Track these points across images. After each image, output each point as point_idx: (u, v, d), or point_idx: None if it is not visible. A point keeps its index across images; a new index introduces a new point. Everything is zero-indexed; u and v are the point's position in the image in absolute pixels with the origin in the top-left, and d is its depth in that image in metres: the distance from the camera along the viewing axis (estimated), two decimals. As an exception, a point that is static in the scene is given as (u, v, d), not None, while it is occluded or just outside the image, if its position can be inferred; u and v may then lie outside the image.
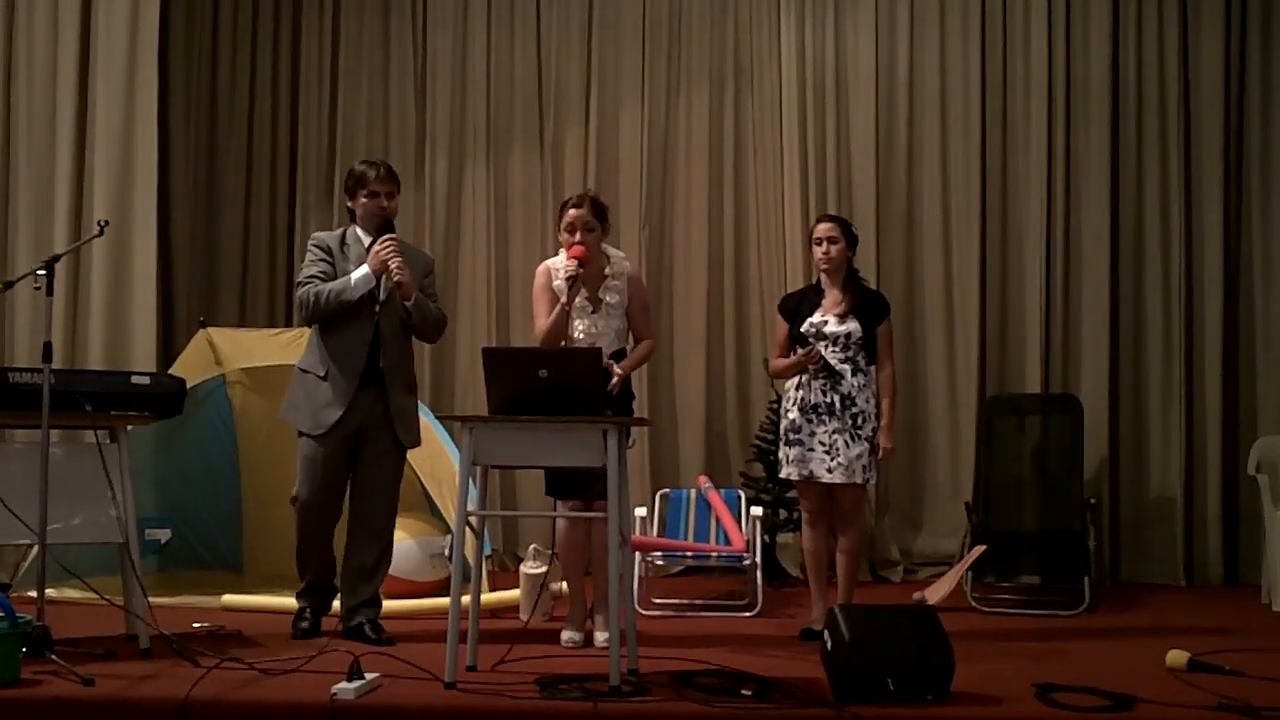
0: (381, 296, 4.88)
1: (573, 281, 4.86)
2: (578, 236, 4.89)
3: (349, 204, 5.07)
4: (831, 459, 5.07)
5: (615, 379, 4.84)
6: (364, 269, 4.84)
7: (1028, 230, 7.32)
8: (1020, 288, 7.32)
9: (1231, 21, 7.18)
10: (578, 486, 4.81)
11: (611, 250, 5.10)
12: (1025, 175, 7.35)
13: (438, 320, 5.05)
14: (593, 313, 4.96)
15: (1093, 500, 6.52)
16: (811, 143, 7.42)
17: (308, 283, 4.89)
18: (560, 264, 4.97)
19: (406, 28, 7.89)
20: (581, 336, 4.94)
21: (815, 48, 7.48)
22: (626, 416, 4.78)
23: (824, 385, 5.11)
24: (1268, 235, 7.12)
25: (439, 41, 7.85)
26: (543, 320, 4.95)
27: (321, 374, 4.88)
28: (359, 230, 5.00)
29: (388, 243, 4.81)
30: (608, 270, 5.01)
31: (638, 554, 5.85)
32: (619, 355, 5.02)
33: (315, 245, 5.00)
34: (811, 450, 5.11)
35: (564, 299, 4.87)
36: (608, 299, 4.98)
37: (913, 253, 7.44)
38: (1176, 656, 4.36)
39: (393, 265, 4.77)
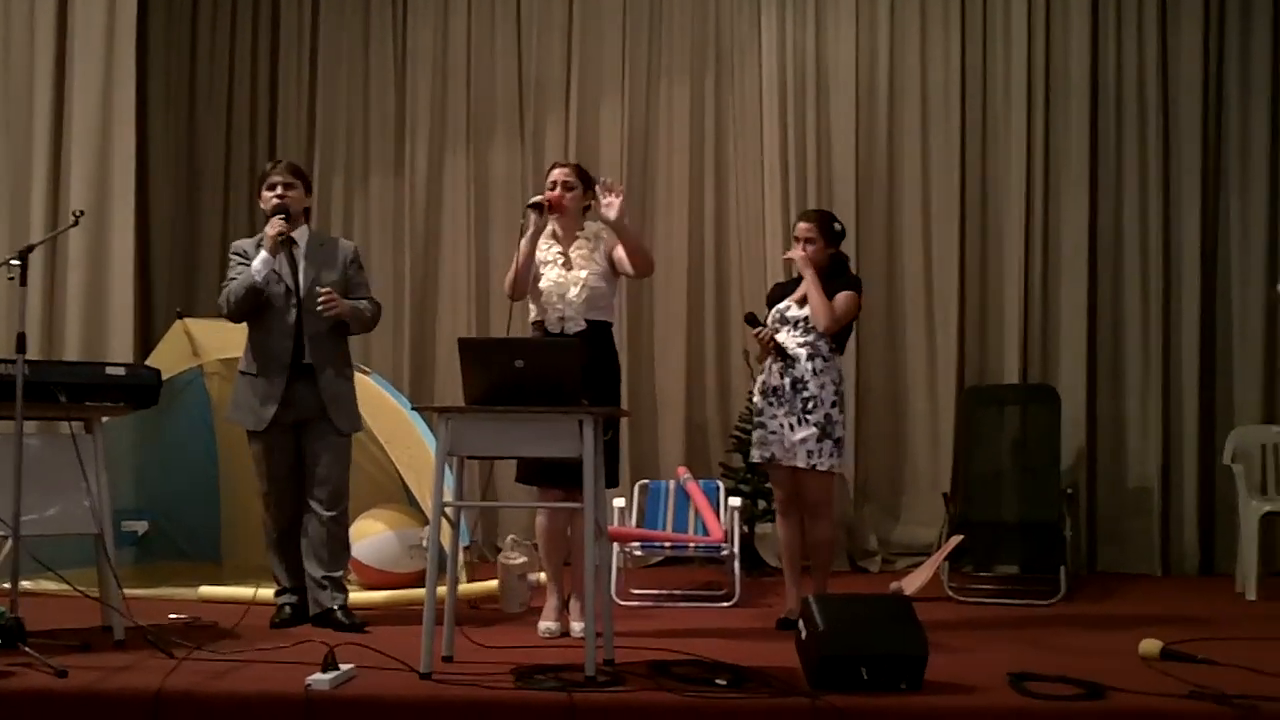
0: (302, 292, 5.00)
1: (536, 208, 4.91)
2: (557, 190, 4.99)
3: (261, 203, 5.22)
4: (782, 441, 5.11)
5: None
6: (262, 253, 4.98)
7: (1007, 223, 7.33)
8: (999, 280, 7.34)
9: (1210, 18, 7.20)
10: (561, 475, 4.79)
11: (589, 223, 5.13)
12: (1005, 168, 7.36)
13: (372, 317, 5.20)
14: (563, 265, 4.99)
15: (1070, 491, 6.54)
16: (792, 134, 7.42)
17: (225, 286, 5.06)
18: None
19: (386, 17, 7.87)
20: (549, 285, 4.96)
21: (796, 39, 7.48)
22: (610, 404, 4.79)
23: (781, 368, 5.13)
24: (1245, 228, 7.15)
25: (419, 31, 7.83)
26: None
27: (255, 372, 5.05)
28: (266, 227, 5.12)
29: (276, 223, 4.97)
30: (579, 232, 5.06)
31: (616, 545, 5.86)
32: (601, 328, 5.01)
33: (233, 252, 5.18)
34: (773, 433, 5.14)
35: (530, 228, 4.92)
36: (576, 253, 5.00)
37: (893, 244, 7.45)
38: (1149, 645, 4.38)
39: (322, 306, 4.91)
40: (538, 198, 4.97)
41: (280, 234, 4.96)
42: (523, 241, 4.96)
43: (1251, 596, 6.06)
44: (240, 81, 7.95)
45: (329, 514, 5.03)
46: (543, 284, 4.99)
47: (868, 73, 7.47)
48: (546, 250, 5.03)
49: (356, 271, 5.23)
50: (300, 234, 5.11)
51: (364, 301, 5.16)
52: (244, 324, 5.10)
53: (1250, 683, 3.89)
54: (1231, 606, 5.89)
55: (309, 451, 5.06)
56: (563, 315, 4.94)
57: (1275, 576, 6.62)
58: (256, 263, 4.97)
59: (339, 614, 4.94)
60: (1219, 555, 6.99)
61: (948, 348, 7.31)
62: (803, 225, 5.28)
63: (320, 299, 4.92)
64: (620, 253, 5.01)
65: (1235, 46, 7.22)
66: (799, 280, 5.32)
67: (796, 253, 5.18)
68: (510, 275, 4.99)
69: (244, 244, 5.18)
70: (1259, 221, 7.11)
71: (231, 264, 5.12)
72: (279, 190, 5.10)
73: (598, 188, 4.89)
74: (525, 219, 4.94)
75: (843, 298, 5.16)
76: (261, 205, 5.19)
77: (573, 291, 4.94)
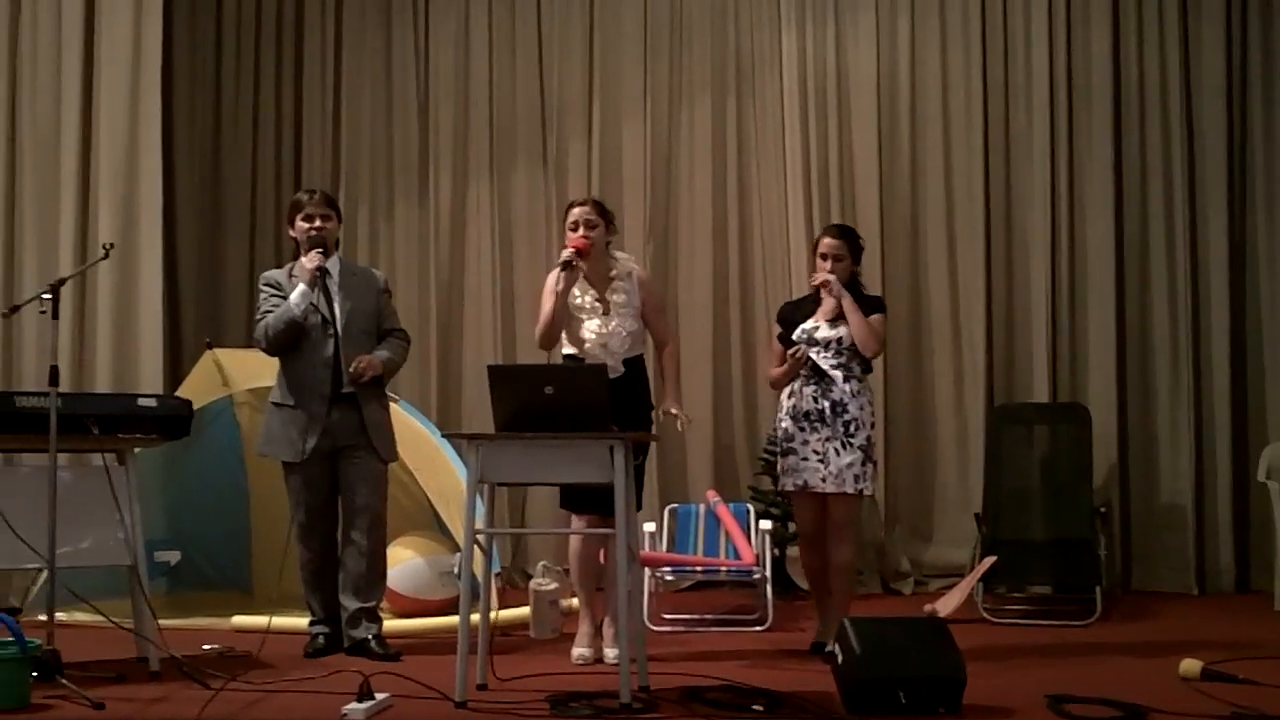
0: (340, 326, 5.00)
1: (566, 267, 4.86)
2: (580, 231, 4.94)
3: (291, 232, 5.23)
4: (825, 467, 4.99)
5: (680, 418, 4.95)
6: (300, 286, 4.97)
7: (1032, 237, 7.29)
8: (1026, 296, 7.30)
9: (1232, 22, 7.14)
10: (594, 501, 4.76)
11: (619, 253, 5.11)
12: (1029, 182, 7.32)
13: (402, 358, 5.27)
14: (604, 314, 4.96)
15: (1102, 509, 6.49)
16: (814, 151, 7.41)
17: (261, 319, 5.05)
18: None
19: (409, 47, 7.92)
20: (592, 337, 4.93)
21: (816, 55, 7.47)
22: (641, 430, 4.77)
23: (815, 392, 5.04)
24: (1273, 238, 7.08)
25: (441, 59, 7.88)
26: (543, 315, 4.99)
27: (291, 403, 5.03)
28: (304, 259, 5.12)
29: (315, 257, 4.98)
30: (614, 271, 5.02)
31: (647, 569, 5.84)
32: (634, 362, 5.00)
33: (265, 284, 5.17)
34: (805, 459, 5.02)
35: (559, 287, 4.88)
36: (615, 299, 4.97)
37: (917, 261, 7.42)
38: (1189, 665, 4.34)
39: (362, 370, 4.97)
40: (567, 254, 4.88)
41: (319, 268, 4.97)
42: (552, 295, 4.91)
43: (1289, 614, 6.00)
44: (265, 112, 8.01)
45: (368, 544, 5.03)
46: (584, 333, 4.94)
47: (889, 87, 7.46)
48: (581, 296, 4.98)
49: (386, 301, 5.27)
50: (332, 264, 5.12)
51: (394, 340, 5.20)
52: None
53: (1293, 702, 3.85)
54: (1270, 625, 5.82)
55: (346, 481, 5.05)
56: (604, 365, 4.89)
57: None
58: (295, 296, 4.97)
59: (373, 644, 4.94)
60: (1255, 572, 6.89)
61: (975, 366, 7.27)
62: (831, 242, 5.16)
63: (353, 372, 4.95)
64: (651, 320, 5.10)
65: (1258, 49, 7.15)
66: (812, 298, 5.24)
67: (827, 276, 5.05)
68: (540, 328, 4.98)
69: (275, 275, 5.19)
70: (1287, 229, 7.07)
71: (264, 295, 5.11)
72: (317, 223, 5.11)
73: (678, 419, 4.94)
74: (559, 280, 4.88)
75: (877, 320, 5.10)
76: (293, 234, 5.20)
77: (615, 342, 4.93)
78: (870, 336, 5.04)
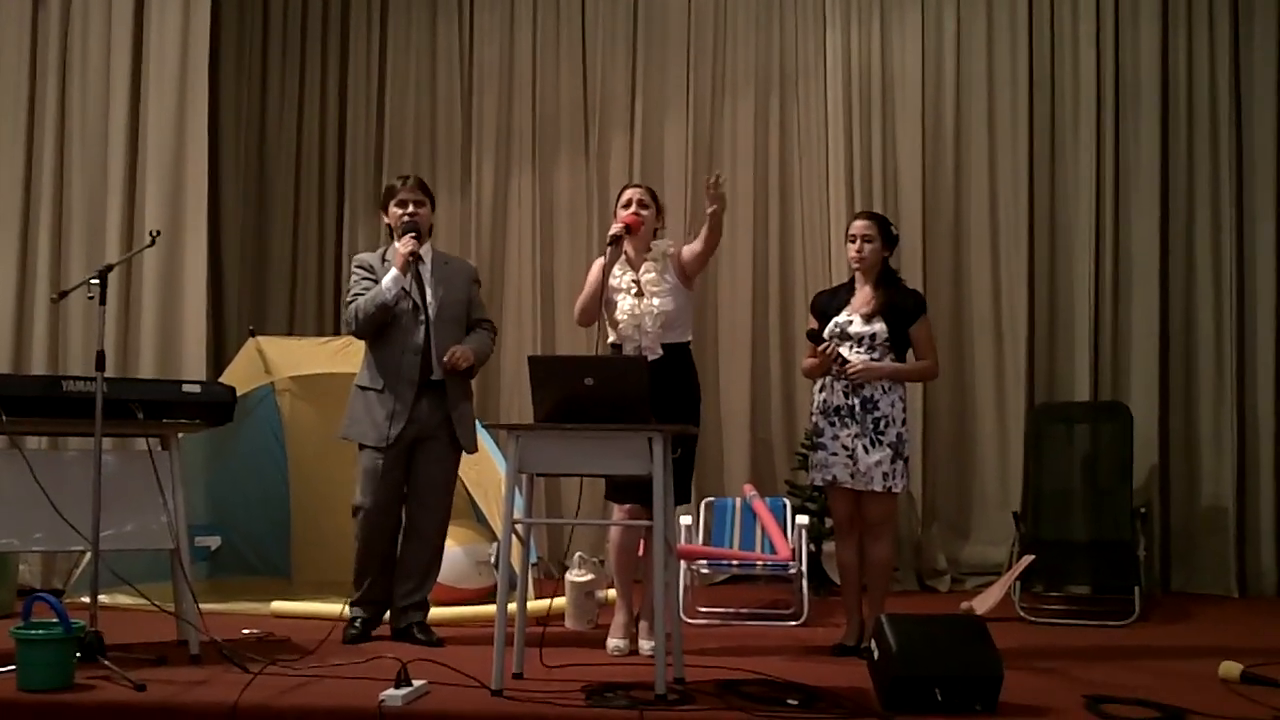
0: (432, 313, 5.01)
1: (615, 241, 4.89)
2: (632, 209, 4.98)
3: (384, 219, 5.25)
4: (854, 464, 4.92)
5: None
6: (392, 270, 4.99)
7: (1076, 236, 7.25)
8: (1069, 294, 7.25)
9: (1286, 24, 7.07)
10: (638, 492, 4.73)
11: (656, 242, 5.12)
12: (1074, 180, 7.28)
13: (491, 347, 5.28)
14: (636, 294, 4.97)
15: (1143, 509, 6.44)
16: (857, 149, 7.39)
17: (351, 301, 5.06)
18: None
19: (453, 39, 7.95)
20: (625, 318, 4.95)
21: (861, 54, 7.45)
22: (685, 419, 4.77)
23: (846, 387, 4.96)
24: (1321, 239, 7.00)
25: (485, 52, 7.90)
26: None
27: (379, 387, 5.03)
28: (396, 243, 5.13)
29: (409, 242, 4.99)
30: (646, 254, 5.04)
31: (683, 562, 5.85)
32: (679, 349, 4.96)
33: (358, 265, 5.19)
34: (834, 455, 4.95)
35: (605, 262, 4.91)
36: (646, 277, 4.96)
37: (960, 259, 7.38)
38: (1229, 668, 4.30)
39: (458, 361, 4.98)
40: (617, 228, 4.92)
41: (412, 253, 4.99)
42: (596, 270, 4.97)
43: (1332, 618, 5.94)
44: (309, 104, 8.06)
45: (435, 537, 5.09)
46: (618, 314, 4.97)
47: (933, 87, 7.43)
48: (620, 278, 5.00)
49: (477, 291, 5.29)
50: (425, 251, 5.13)
51: (482, 331, 5.22)
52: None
53: (1335, 707, 3.81)
54: (1312, 628, 5.77)
55: (425, 471, 5.07)
56: (639, 345, 4.91)
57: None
58: (387, 280, 4.98)
59: (417, 631, 4.99)
60: (1297, 575, 6.84)
61: (1016, 364, 7.23)
62: (861, 224, 5.11)
63: (447, 362, 4.97)
64: (688, 251, 4.98)
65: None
66: (847, 287, 5.18)
67: (851, 363, 4.93)
68: (581, 303, 5.02)
69: (367, 258, 5.21)
70: (1336, 232, 6.96)
71: (356, 278, 5.13)
72: (410, 208, 5.12)
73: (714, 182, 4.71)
74: (606, 254, 4.93)
75: (922, 334, 5.03)
76: (386, 221, 5.23)
77: (647, 321, 4.92)
78: (924, 376, 5.21)
